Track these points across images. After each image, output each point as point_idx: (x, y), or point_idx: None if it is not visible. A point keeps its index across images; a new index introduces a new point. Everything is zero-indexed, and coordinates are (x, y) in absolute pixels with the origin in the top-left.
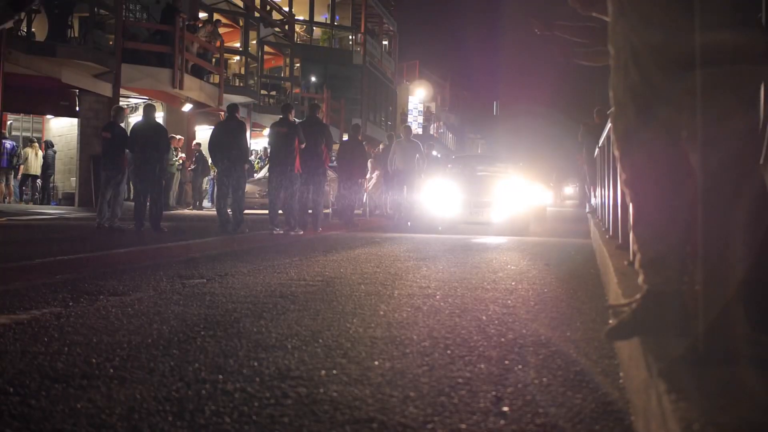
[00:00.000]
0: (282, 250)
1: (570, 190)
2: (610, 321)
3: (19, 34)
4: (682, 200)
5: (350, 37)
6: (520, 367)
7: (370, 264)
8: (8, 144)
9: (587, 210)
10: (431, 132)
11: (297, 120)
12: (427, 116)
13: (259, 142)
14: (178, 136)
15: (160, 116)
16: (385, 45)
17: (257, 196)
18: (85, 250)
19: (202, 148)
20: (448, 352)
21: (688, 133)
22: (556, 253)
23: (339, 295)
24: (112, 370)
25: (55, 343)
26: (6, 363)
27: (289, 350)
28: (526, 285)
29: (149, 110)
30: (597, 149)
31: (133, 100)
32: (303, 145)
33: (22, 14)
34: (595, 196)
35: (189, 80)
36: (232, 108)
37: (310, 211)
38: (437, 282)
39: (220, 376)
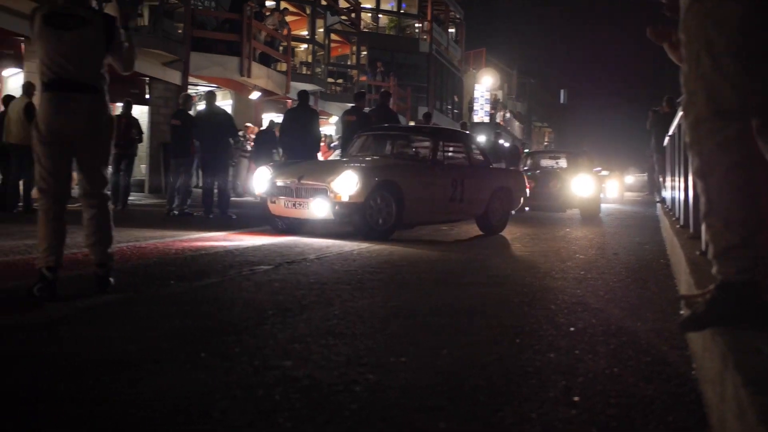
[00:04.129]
0: (351, 235)
1: (631, 179)
2: (682, 312)
3: None
4: (753, 189)
5: (416, 25)
6: (590, 356)
7: (440, 252)
8: None
9: (657, 199)
10: (497, 120)
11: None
12: (494, 104)
13: (324, 129)
14: (250, 125)
15: (228, 104)
16: (452, 33)
17: None
18: (155, 236)
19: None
20: (517, 341)
21: (760, 122)
22: (625, 243)
23: (408, 282)
24: (183, 355)
25: (126, 327)
26: (80, 347)
27: (357, 337)
28: (595, 274)
29: (210, 97)
30: (667, 138)
31: (201, 88)
32: None
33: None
34: (664, 186)
35: (257, 68)
36: (303, 95)
37: None
38: (506, 271)
39: (290, 362)
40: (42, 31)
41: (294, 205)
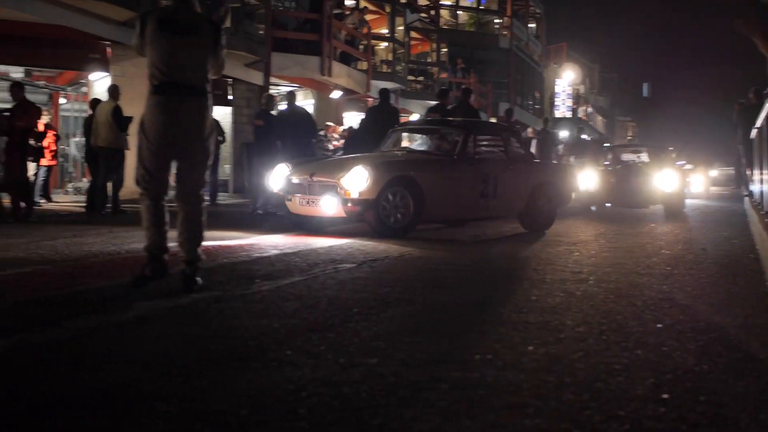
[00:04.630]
0: (431, 236)
1: (716, 173)
2: None
3: None
4: None
5: (496, 21)
6: (678, 353)
7: (522, 249)
8: None
9: (744, 193)
10: (579, 115)
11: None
12: (576, 99)
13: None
14: (331, 124)
15: (310, 103)
16: (532, 28)
17: None
18: (239, 235)
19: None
20: (604, 337)
21: None
22: (712, 238)
23: (490, 279)
24: (270, 353)
25: (214, 325)
26: (169, 345)
27: (442, 334)
28: (682, 270)
29: (291, 97)
30: (754, 130)
31: (283, 88)
32: None
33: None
34: (752, 180)
35: (337, 67)
36: (384, 93)
37: None
38: (590, 267)
39: (375, 359)
40: (156, 35)
41: (308, 202)
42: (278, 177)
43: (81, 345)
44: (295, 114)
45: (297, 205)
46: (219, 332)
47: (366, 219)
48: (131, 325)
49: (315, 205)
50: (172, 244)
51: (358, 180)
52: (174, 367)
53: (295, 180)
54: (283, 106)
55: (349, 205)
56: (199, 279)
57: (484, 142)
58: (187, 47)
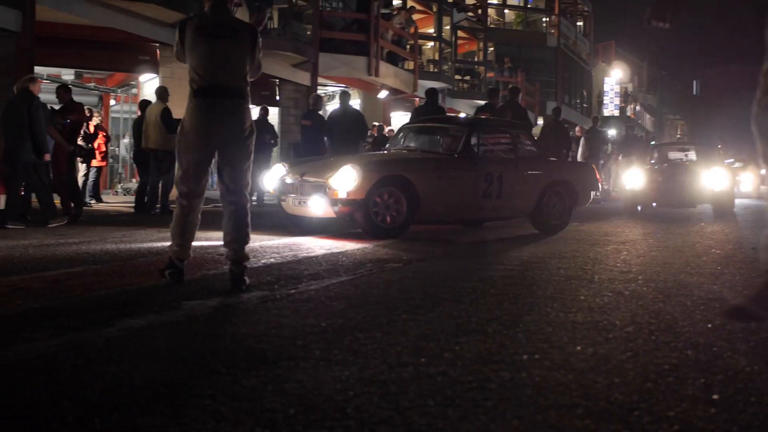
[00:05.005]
0: (478, 234)
1: (765, 171)
2: None
3: None
4: None
5: (544, 19)
6: (729, 353)
7: (569, 248)
8: None
9: None
10: (628, 113)
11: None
12: (624, 97)
13: None
14: (377, 123)
15: (357, 103)
16: (580, 26)
17: None
18: (287, 234)
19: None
20: (653, 337)
21: None
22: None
23: (537, 279)
24: (317, 352)
25: (262, 325)
26: (218, 344)
27: (489, 334)
28: (733, 269)
29: (345, 97)
30: None
31: (330, 88)
32: None
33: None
34: None
35: (384, 67)
36: (431, 92)
37: None
38: (638, 266)
39: (423, 359)
40: (195, 41)
41: (299, 203)
42: (274, 177)
43: (131, 344)
44: (348, 114)
45: (291, 205)
46: (267, 332)
47: (356, 219)
48: (180, 325)
49: (305, 206)
50: (217, 243)
51: (346, 180)
52: (223, 366)
53: (288, 180)
54: (334, 105)
55: (339, 205)
56: (246, 278)
57: (490, 140)
58: (226, 51)
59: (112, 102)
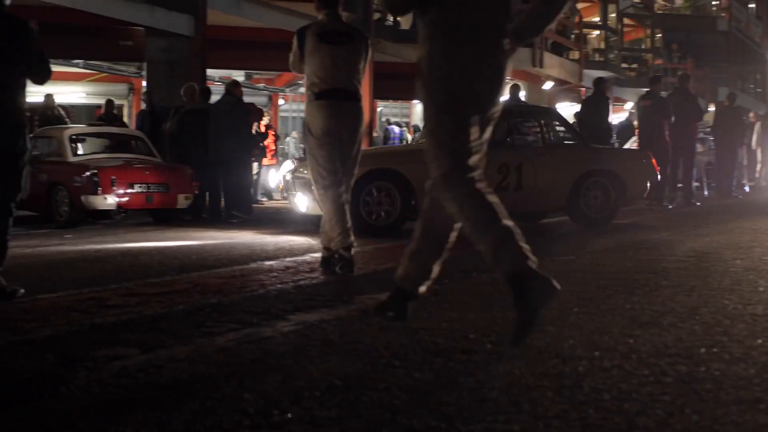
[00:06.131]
0: (649, 225)
1: None
2: None
3: (386, 23)
4: None
5: (713, 2)
6: None
7: (745, 239)
8: (396, 129)
9: None
10: None
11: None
12: None
13: (620, 116)
14: None
15: (521, 95)
16: (752, 8)
17: None
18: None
19: None
20: None
21: None
22: None
23: (713, 270)
24: (489, 346)
25: (433, 318)
26: (390, 337)
27: (664, 327)
28: None
29: (515, 90)
30: None
31: None
32: (672, 119)
33: None
34: None
35: (549, 58)
36: (596, 82)
37: (680, 186)
38: None
39: (596, 353)
40: (316, 47)
41: (291, 199)
42: (281, 174)
43: (305, 337)
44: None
45: (290, 202)
46: (439, 325)
47: None
48: (353, 319)
49: (293, 203)
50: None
51: None
52: (396, 359)
53: (287, 177)
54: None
55: None
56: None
57: (510, 127)
58: (345, 56)
59: (281, 101)
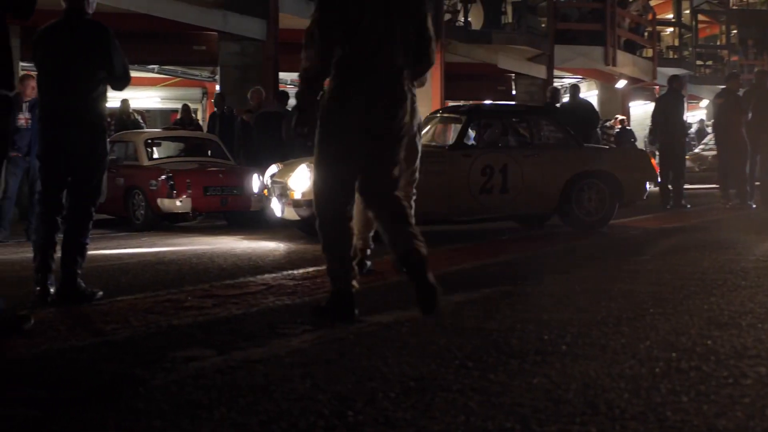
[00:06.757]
0: (733, 225)
1: None
2: None
3: (457, 24)
4: None
5: None
6: None
7: None
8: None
9: None
10: None
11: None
12: None
13: (696, 114)
14: (621, 117)
15: (593, 94)
16: None
17: (696, 170)
18: (522, 231)
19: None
20: None
21: None
22: None
23: None
24: (564, 347)
25: (507, 320)
26: (464, 339)
27: (743, 328)
28: None
29: (574, 90)
30: None
31: (566, 80)
32: (749, 116)
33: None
34: None
35: (622, 56)
36: (671, 80)
37: (757, 183)
38: None
39: (674, 354)
40: None
41: (270, 204)
42: (264, 178)
43: (379, 339)
44: (580, 107)
45: (268, 207)
46: (512, 326)
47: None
48: (426, 320)
49: (271, 209)
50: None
51: (302, 180)
52: (470, 360)
53: (267, 181)
54: (565, 98)
55: (303, 208)
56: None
57: (495, 128)
58: None
59: None
